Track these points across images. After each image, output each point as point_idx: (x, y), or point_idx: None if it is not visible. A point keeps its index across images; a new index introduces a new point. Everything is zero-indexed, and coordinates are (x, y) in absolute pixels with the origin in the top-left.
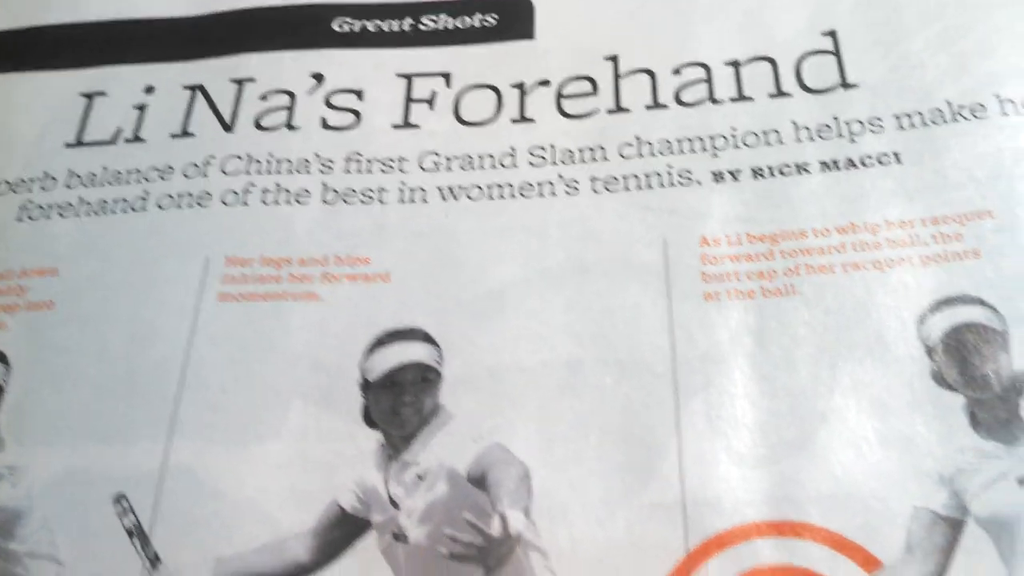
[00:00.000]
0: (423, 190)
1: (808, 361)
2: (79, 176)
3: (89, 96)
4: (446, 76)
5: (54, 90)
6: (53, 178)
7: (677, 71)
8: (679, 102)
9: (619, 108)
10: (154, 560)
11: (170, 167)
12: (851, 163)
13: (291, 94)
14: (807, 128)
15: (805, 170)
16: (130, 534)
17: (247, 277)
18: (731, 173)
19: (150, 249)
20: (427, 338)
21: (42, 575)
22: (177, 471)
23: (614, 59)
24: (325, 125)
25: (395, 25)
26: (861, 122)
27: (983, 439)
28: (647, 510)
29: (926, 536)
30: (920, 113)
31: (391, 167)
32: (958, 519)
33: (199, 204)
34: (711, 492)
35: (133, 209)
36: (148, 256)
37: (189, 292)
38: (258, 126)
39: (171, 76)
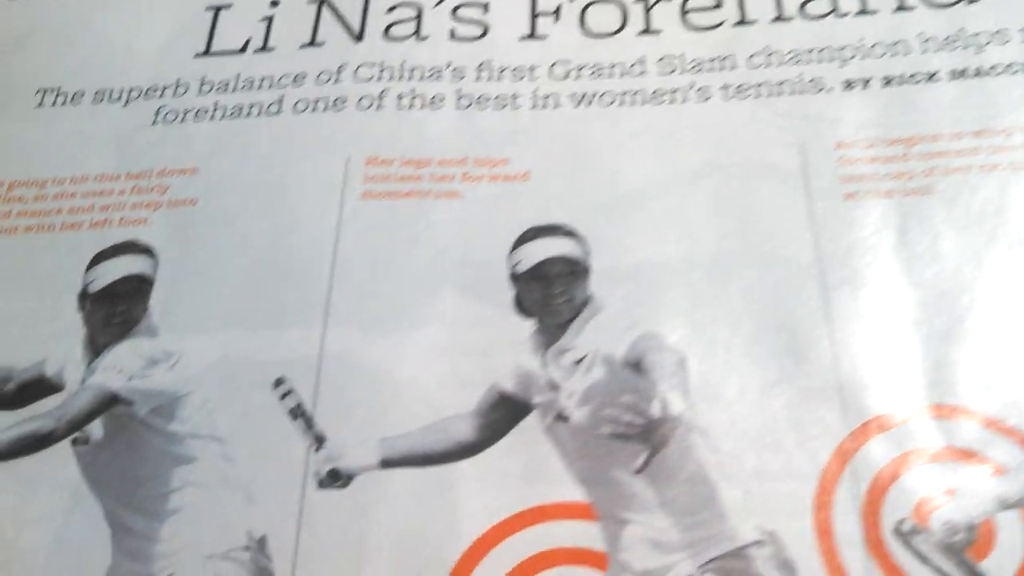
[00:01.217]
0: (555, 96)
1: (951, 255)
2: (211, 83)
3: (215, 9)
4: None
5: (179, 3)
6: (185, 85)
7: None
8: (804, 15)
9: (744, 21)
10: (319, 440)
11: (302, 74)
12: (979, 72)
13: (418, 7)
14: (933, 39)
15: (935, 78)
16: (293, 415)
17: (388, 176)
18: (862, 81)
19: (289, 150)
20: (571, 233)
21: (205, 454)
22: (334, 356)
23: None
24: (453, 36)
25: None
26: (988, 33)
27: None
28: (804, 393)
29: None
30: None
31: (522, 75)
32: None
33: (334, 108)
34: (866, 377)
35: (269, 113)
36: (287, 156)
37: (332, 190)
38: (387, 36)
39: None
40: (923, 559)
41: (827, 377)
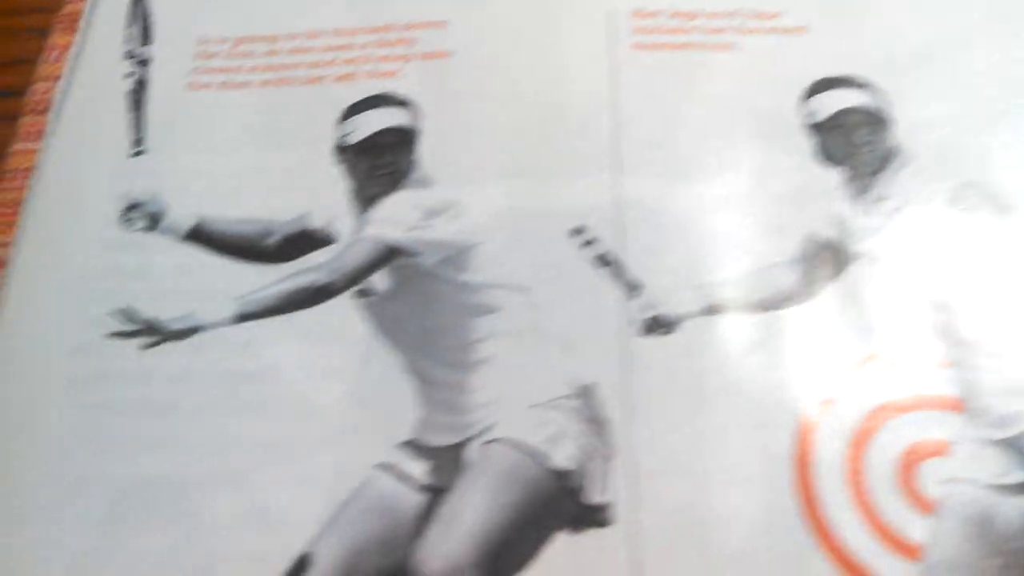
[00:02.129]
0: None
1: None
2: None
3: None
4: None
5: None
6: None
7: None
8: None
9: None
10: (634, 287)
11: None
12: None
13: None
14: None
15: None
16: (600, 263)
17: (658, 28)
18: None
19: (543, 3)
20: (865, 85)
21: (508, 304)
22: (634, 203)
23: None
24: None
25: None
26: None
27: None
28: None
29: None
30: None
31: None
32: None
33: None
34: None
35: None
36: (543, 10)
37: (597, 42)
38: None
39: None
40: None
41: None
